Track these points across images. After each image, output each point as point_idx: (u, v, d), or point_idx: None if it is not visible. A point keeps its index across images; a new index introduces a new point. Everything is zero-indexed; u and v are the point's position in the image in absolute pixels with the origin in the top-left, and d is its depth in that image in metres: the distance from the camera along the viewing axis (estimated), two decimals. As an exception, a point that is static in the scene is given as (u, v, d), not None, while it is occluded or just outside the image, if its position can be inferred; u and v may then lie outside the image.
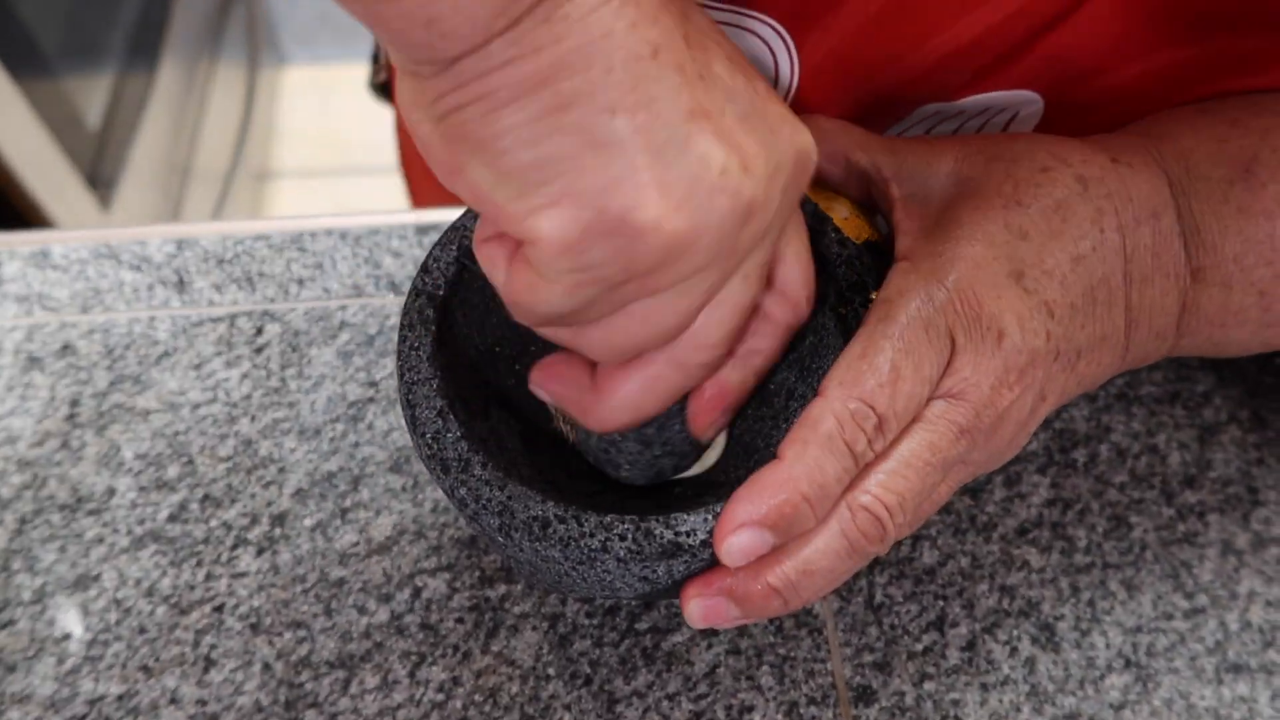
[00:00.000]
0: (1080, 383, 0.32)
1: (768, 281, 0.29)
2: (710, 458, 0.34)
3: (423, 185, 0.67)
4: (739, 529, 0.27)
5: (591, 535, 0.28)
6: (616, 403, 0.29)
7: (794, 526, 0.28)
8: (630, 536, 0.28)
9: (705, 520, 0.28)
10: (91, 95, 1.17)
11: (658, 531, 0.28)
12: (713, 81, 0.24)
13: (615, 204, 0.23)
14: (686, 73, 0.23)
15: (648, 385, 0.28)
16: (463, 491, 0.29)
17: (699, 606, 0.29)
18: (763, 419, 0.33)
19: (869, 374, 0.28)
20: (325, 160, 1.68)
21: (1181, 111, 0.34)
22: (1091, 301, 0.31)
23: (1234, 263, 0.32)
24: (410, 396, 0.30)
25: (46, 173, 1.07)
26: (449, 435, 0.29)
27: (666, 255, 0.24)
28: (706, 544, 0.28)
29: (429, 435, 0.29)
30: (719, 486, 0.33)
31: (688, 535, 0.28)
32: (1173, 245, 0.32)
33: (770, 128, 0.25)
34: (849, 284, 0.32)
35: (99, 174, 1.16)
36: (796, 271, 0.29)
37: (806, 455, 0.27)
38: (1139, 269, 0.31)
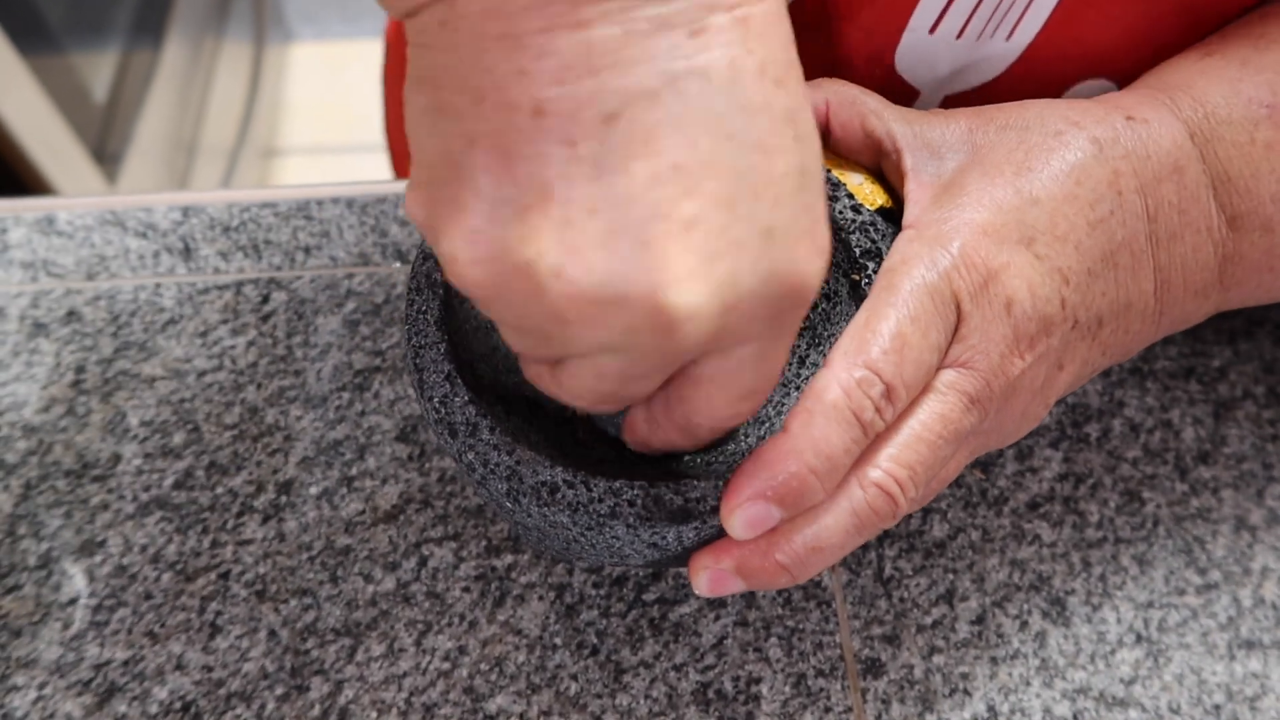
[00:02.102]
0: (1106, 352, 0.32)
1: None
2: None
3: (404, 159, 0.66)
4: (745, 502, 0.27)
5: (600, 500, 0.28)
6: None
7: (802, 500, 0.27)
8: (640, 502, 0.28)
9: (716, 487, 0.28)
10: (98, 70, 1.16)
11: (667, 497, 0.28)
12: (616, 177, 0.21)
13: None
14: (578, 150, 0.21)
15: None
16: (470, 456, 0.28)
17: (706, 578, 0.29)
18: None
19: (873, 341, 0.27)
20: (331, 137, 1.67)
21: (1187, 59, 0.34)
22: (1112, 266, 0.30)
23: (1272, 203, 0.31)
24: (418, 360, 0.30)
25: (53, 147, 1.06)
26: (457, 399, 0.29)
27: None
28: (716, 510, 0.28)
29: (437, 399, 0.29)
30: (730, 455, 0.32)
31: (698, 501, 0.28)
32: (1200, 198, 0.31)
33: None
34: (862, 250, 0.31)
35: (105, 149, 1.16)
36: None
37: (812, 426, 0.27)
38: (1165, 228, 0.31)
